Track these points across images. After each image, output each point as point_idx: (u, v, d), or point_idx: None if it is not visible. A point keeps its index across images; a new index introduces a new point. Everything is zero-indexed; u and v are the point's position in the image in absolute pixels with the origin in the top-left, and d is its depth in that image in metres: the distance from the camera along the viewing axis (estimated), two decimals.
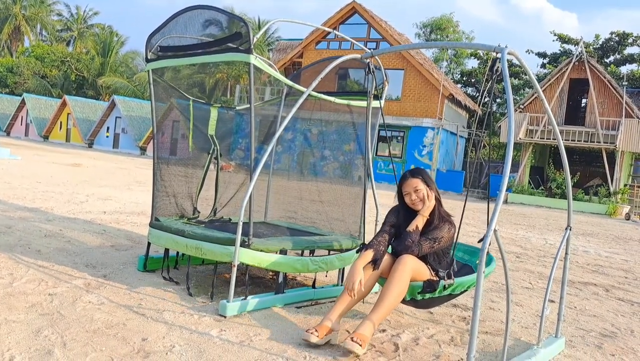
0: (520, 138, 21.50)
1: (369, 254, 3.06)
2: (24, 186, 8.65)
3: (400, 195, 3.30)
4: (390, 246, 3.23)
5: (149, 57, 3.87)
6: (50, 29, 59.34)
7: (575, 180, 20.01)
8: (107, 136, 36.67)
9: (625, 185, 20.88)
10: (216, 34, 3.42)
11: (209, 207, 4.55)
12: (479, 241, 3.43)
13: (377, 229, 4.31)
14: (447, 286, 3.03)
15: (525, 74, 30.62)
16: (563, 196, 20.07)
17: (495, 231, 2.26)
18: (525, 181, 21.89)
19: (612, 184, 20.19)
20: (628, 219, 17.37)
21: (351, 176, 4.48)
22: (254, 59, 3.16)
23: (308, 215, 4.98)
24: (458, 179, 23.84)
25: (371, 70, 3.54)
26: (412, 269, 2.98)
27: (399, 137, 24.78)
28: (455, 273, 3.16)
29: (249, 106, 4.63)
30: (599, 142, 20.02)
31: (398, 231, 3.23)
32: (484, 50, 2.85)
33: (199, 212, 4.34)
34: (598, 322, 4.05)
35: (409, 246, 3.06)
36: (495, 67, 2.92)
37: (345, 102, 4.09)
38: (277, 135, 3.28)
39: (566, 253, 3.28)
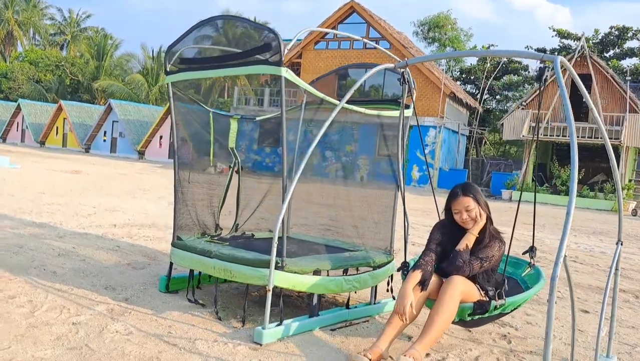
0: (523, 135, 21.38)
1: (417, 276, 2.92)
2: (28, 198, 8.46)
3: (449, 211, 3.16)
4: (437, 265, 3.09)
5: (168, 70, 3.69)
6: (44, 33, 58.92)
7: (580, 177, 19.90)
8: (105, 141, 36.39)
9: (630, 180, 20.79)
10: (242, 44, 3.25)
11: (230, 222, 4.38)
12: (524, 253, 3.30)
13: (406, 243, 4.15)
14: (498, 306, 2.90)
15: (526, 70, 30.54)
16: (568, 193, 19.95)
17: (565, 258, 2.10)
18: (529, 178, 21.77)
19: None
20: (635, 215, 17.27)
21: (379, 184, 4.30)
22: (286, 72, 3.00)
23: (333, 227, 4.82)
24: (461, 178, 23.70)
25: (406, 79, 3.38)
26: (462, 291, 2.87)
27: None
28: (506, 291, 3.01)
29: (270, 116, 4.49)
30: (603, 137, 19.89)
31: (444, 248, 3.10)
32: (535, 59, 2.69)
33: (221, 229, 4.17)
34: (639, 334, 3.90)
35: (460, 267, 2.94)
36: (544, 77, 2.76)
37: (375, 112, 3.92)
38: (312, 147, 3.10)
39: (617, 269, 3.12)
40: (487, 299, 2.90)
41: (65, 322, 3.07)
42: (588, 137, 20.54)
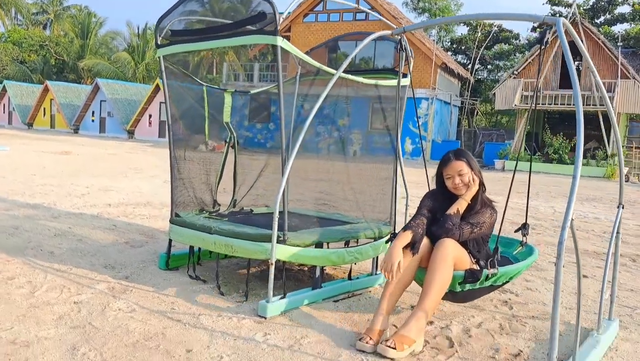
0: (515, 105, 21.34)
1: (407, 235, 2.79)
2: (20, 180, 8.36)
3: (440, 177, 3.08)
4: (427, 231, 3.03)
5: (159, 43, 3.59)
6: (26, 13, 57.56)
7: (571, 145, 19.98)
8: (93, 121, 35.95)
9: (622, 146, 20.87)
10: (235, 14, 3.16)
11: (228, 198, 4.34)
12: (516, 231, 3.27)
13: (407, 215, 4.14)
14: (490, 275, 2.81)
15: (517, 39, 30.34)
16: (560, 161, 20.05)
17: (572, 221, 2.08)
18: (521, 147, 21.81)
19: (609, 146, 20.18)
20: (627, 181, 17.41)
21: (375, 157, 4.26)
22: (281, 41, 2.92)
23: (331, 201, 4.79)
24: (453, 149, 23.72)
25: (403, 47, 3.30)
26: (454, 254, 2.76)
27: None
28: (499, 261, 2.96)
29: (264, 89, 4.41)
30: (595, 105, 19.92)
31: (435, 216, 3.00)
32: (536, 22, 2.63)
33: (219, 205, 4.13)
34: (639, 297, 3.94)
35: (449, 229, 2.82)
36: (545, 39, 2.70)
37: (373, 82, 3.86)
38: (309, 119, 3.05)
39: (617, 232, 3.12)
40: (479, 268, 2.81)
41: (67, 301, 3.05)
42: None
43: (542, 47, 2.78)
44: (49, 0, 56.92)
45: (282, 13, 3.63)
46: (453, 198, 3.00)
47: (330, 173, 4.60)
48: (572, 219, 2.11)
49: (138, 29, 44.13)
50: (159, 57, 3.64)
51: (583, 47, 2.84)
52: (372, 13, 4.12)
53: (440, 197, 3.06)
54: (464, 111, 28.01)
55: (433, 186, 3.18)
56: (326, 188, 4.66)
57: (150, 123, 32.45)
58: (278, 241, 3.06)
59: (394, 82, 3.73)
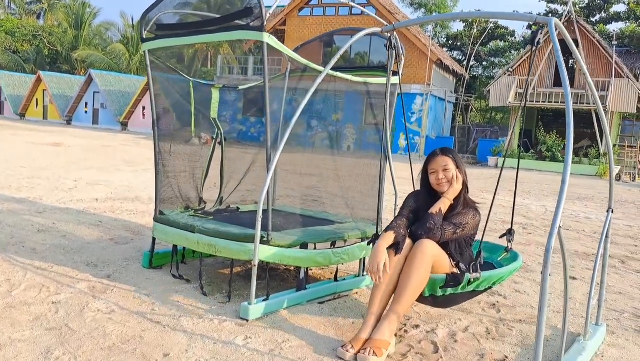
0: (509, 102, 21.32)
1: (390, 235, 2.73)
2: (7, 173, 8.24)
3: (424, 174, 3.02)
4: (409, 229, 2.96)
5: (144, 37, 3.51)
6: (19, 1, 56.99)
7: (564, 143, 19.98)
8: (86, 112, 35.68)
9: (614, 145, 20.93)
10: (222, 9, 3.07)
11: (214, 195, 4.26)
12: (501, 237, 3.21)
13: (395, 212, 4.08)
14: (472, 280, 2.73)
15: (512, 36, 30.30)
16: (553, 159, 20.07)
17: (560, 228, 2.03)
18: (514, 145, 21.83)
19: (601, 145, 20.21)
20: (619, 180, 17.44)
21: (366, 153, 4.19)
22: (268, 37, 2.84)
23: (320, 197, 4.73)
24: (447, 145, 23.68)
25: (392, 44, 3.23)
26: (432, 254, 2.68)
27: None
28: (481, 265, 2.89)
29: (253, 85, 4.34)
30: (589, 103, 19.93)
31: (417, 216, 2.93)
32: (527, 21, 2.57)
33: (205, 202, 4.05)
34: (627, 300, 3.91)
35: (430, 229, 2.75)
36: (537, 39, 2.65)
37: (361, 79, 3.79)
38: (296, 115, 2.97)
39: (607, 236, 3.08)
40: (461, 272, 2.74)
41: (44, 301, 2.97)
42: (574, 102, 20.55)
43: (534, 47, 2.73)
44: None
45: (269, 7, 3.55)
46: (436, 198, 2.94)
47: (321, 168, 4.54)
48: (560, 226, 2.06)
49: (132, 19, 43.79)
50: (144, 51, 3.56)
51: (574, 48, 2.79)
52: (363, 9, 4.04)
53: (423, 197, 3.00)
54: (458, 107, 27.98)
55: (417, 185, 3.13)
56: (316, 183, 4.60)
57: (143, 115, 32.24)
58: (261, 242, 2.99)
59: (383, 80, 3.66)
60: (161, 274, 3.63)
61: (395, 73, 3.67)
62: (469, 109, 29.83)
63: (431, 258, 2.68)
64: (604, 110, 20.05)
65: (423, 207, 2.93)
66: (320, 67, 3.40)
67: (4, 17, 54.12)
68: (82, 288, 3.24)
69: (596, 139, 20.57)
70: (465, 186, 2.97)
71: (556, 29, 2.54)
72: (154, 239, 3.75)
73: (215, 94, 4.04)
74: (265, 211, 3.04)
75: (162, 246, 4.01)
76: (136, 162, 12.04)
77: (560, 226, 2.05)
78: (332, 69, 3.93)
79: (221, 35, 3.03)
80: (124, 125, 32.92)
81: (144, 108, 32.09)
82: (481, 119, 33.12)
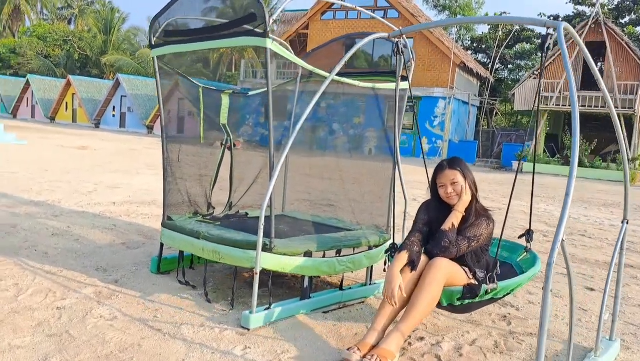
0: (534, 105, 20.93)
1: (403, 256, 2.75)
2: (30, 176, 8.41)
3: (434, 185, 2.98)
4: (424, 247, 2.94)
5: (153, 43, 3.52)
6: (51, 7, 58.52)
7: (592, 147, 19.53)
8: (113, 116, 36.34)
9: None
10: (226, 14, 3.06)
11: (224, 200, 4.26)
12: (520, 237, 3.13)
13: (405, 222, 4.02)
14: (489, 290, 2.72)
15: (538, 38, 29.78)
16: (579, 164, 19.61)
17: (562, 242, 1.95)
18: (540, 149, 21.41)
19: (629, 150, 19.68)
20: None
21: (377, 160, 4.11)
22: (271, 43, 2.82)
23: (330, 201, 4.68)
24: (471, 150, 23.40)
25: (400, 50, 3.17)
26: (446, 273, 2.68)
27: (408, 108, 24.22)
28: (497, 274, 2.84)
29: (262, 90, 4.32)
30: (617, 107, 19.43)
31: (430, 228, 2.93)
32: (536, 25, 2.49)
33: (213, 208, 4.05)
34: None
35: (446, 247, 2.75)
36: (547, 44, 2.56)
37: (370, 85, 3.73)
38: (298, 125, 2.94)
39: (621, 248, 2.96)
40: (477, 282, 2.73)
41: (49, 306, 3.00)
42: (601, 106, 20.08)
43: (544, 52, 2.64)
44: None
45: (304, 10, 3.52)
46: (448, 208, 2.91)
47: (341, 172, 4.45)
48: (563, 239, 1.98)
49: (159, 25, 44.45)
50: (152, 57, 3.57)
51: (586, 51, 2.69)
52: (372, 14, 3.99)
53: (435, 207, 2.98)
54: (482, 111, 27.59)
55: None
56: (335, 187, 4.53)
57: (192, 120, 32.62)
58: (264, 249, 2.96)
59: (391, 85, 3.60)
60: (168, 280, 3.63)
61: (404, 78, 3.61)
62: (494, 112, 29.40)
63: (444, 277, 2.68)
64: (632, 114, 19.54)
65: (436, 218, 2.92)
66: (325, 73, 3.36)
67: (37, 22, 55.59)
68: (89, 293, 3.26)
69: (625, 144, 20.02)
70: (474, 197, 2.92)
71: (567, 34, 2.46)
72: (161, 244, 3.75)
73: (225, 100, 4.03)
74: (268, 217, 3.01)
75: (171, 251, 4.01)
76: (158, 166, 12.17)
77: (563, 240, 1.96)
78: (344, 74, 3.90)
79: (225, 41, 3.02)
80: (149, 128, 33.39)
81: (169, 112, 32.47)
82: (507, 122, 32.59)
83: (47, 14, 59.81)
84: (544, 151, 21.69)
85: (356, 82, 3.73)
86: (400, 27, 3.01)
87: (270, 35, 2.82)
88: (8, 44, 50.93)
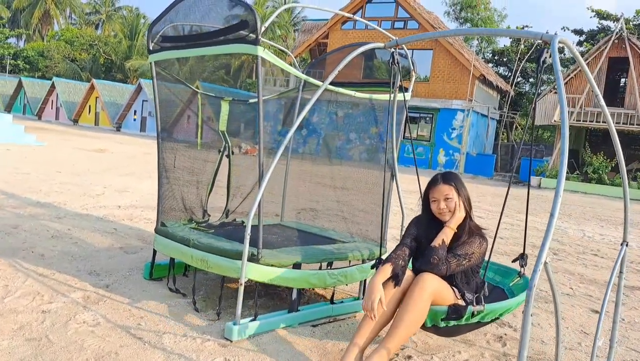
0: (554, 120, 20.62)
1: (387, 269, 2.61)
2: (42, 178, 8.51)
3: (426, 200, 2.87)
4: (411, 263, 2.84)
5: (151, 48, 3.52)
6: (79, 12, 59.84)
7: (612, 164, 19.13)
8: (135, 120, 36.84)
9: None
10: (221, 21, 3.04)
11: (221, 207, 4.23)
12: (514, 261, 3.02)
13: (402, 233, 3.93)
14: (475, 313, 2.58)
15: (562, 53, 29.44)
16: (599, 181, 19.22)
17: (546, 264, 1.86)
18: (558, 165, 21.04)
19: None
20: None
21: (377, 172, 4.04)
22: (262, 51, 2.78)
23: (329, 210, 4.61)
24: (489, 163, 23.11)
25: (396, 61, 3.10)
26: (432, 290, 2.55)
27: (427, 119, 24.07)
28: (486, 297, 2.72)
29: (269, 97, 4.29)
30: (639, 124, 19.03)
31: (420, 244, 2.82)
32: (531, 38, 2.41)
33: (209, 215, 4.02)
34: None
35: (435, 265, 2.63)
36: (543, 58, 2.48)
37: (367, 96, 3.68)
38: (291, 132, 2.90)
39: (621, 272, 2.84)
40: (464, 304, 2.60)
41: (35, 310, 2.98)
42: (623, 123, 19.68)
43: (540, 65, 2.56)
44: (103, 1, 58.89)
45: (326, 20, 3.49)
46: (439, 224, 2.80)
47: (353, 181, 4.37)
48: (547, 262, 1.88)
49: (182, 31, 45.04)
50: (150, 63, 3.57)
51: (582, 62, 2.60)
52: (369, 24, 3.93)
53: (426, 223, 2.87)
54: (502, 124, 27.27)
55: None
56: (344, 197, 4.44)
57: (188, 123, 32.94)
58: (251, 260, 2.91)
59: (386, 96, 3.54)
60: (159, 287, 3.60)
61: (406, 89, 3.54)
62: (514, 126, 29.04)
63: (430, 295, 2.55)
64: None
65: (426, 235, 2.81)
66: (318, 83, 3.32)
67: (65, 27, 56.83)
68: (76, 298, 3.24)
69: None
70: (468, 215, 2.82)
71: (563, 47, 2.37)
72: (154, 251, 3.73)
73: (225, 107, 4.01)
74: (256, 227, 2.96)
75: (165, 258, 3.98)
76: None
77: (546, 262, 1.87)
78: (345, 84, 3.85)
79: (218, 48, 2.99)
80: None
81: (189, 117, 32.80)
82: (527, 137, 32.13)
83: (75, 18, 61.15)
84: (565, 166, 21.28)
85: (352, 93, 3.68)
86: (396, 38, 2.95)
87: (261, 42, 2.78)
88: (37, 48, 52.15)
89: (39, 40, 56.68)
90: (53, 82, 41.95)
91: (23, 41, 59.89)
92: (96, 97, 39.05)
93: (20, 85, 44.99)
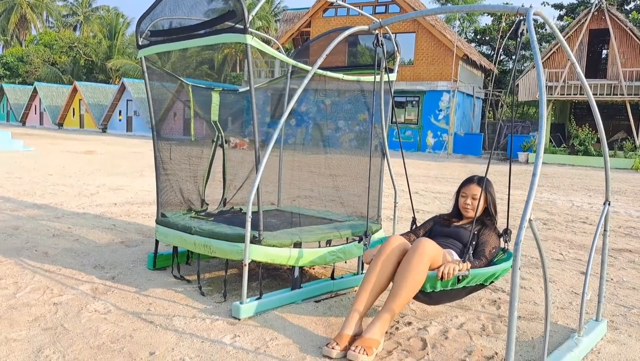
0: (538, 96, 20.85)
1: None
2: (35, 180, 8.55)
3: (458, 194, 3.26)
4: None
5: (140, 44, 3.60)
6: (56, 15, 59.08)
7: (598, 136, 19.40)
8: (120, 120, 36.63)
9: None
10: (209, 12, 3.13)
11: (218, 197, 4.33)
12: (500, 236, 3.16)
13: (396, 211, 4.07)
14: (460, 278, 2.68)
15: (543, 28, 29.63)
16: (586, 153, 19.51)
17: (531, 221, 1.99)
18: (546, 139, 21.31)
19: (637, 137, 19.54)
20: None
21: (368, 153, 4.16)
22: (251, 39, 2.88)
23: (324, 195, 4.73)
24: (477, 142, 23.34)
25: (380, 42, 3.22)
26: (430, 255, 2.67)
27: (413, 102, 24.22)
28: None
29: (257, 86, 4.39)
30: (622, 94, 19.29)
31: (430, 235, 3.21)
32: (507, 13, 2.53)
33: (207, 204, 4.12)
34: (639, 296, 3.78)
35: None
36: (520, 30, 2.60)
37: (354, 78, 3.79)
38: (282, 120, 3.01)
39: (605, 230, 2.99)
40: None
41: (46, 303, 3.08)
42: (607, 94, 19.94)
43: (518, 38, 2.68)
44: (79, 2, 58.17)
45: (306, 9, 3.58)
46: (454, 226, 3.18)
47: (344, 169, 4.49)
48: (531, 219, 2.02)
49: (163, 28, 44.70)
50: (140, 58, 3.65)
51: (558, 33, 2.72)
52: (360, 11, 4.04)
53: (446, 222, 3.23)
54: (488, 103, 27.49)
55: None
56: (338, 183, 4.56)
57: (175, 121, 32.83)
58: (253, 241, 3.03)
59: (372, 78, 3.65)
60: (163, 276, 3.71)
61: (390, 70, 3.66)
62: (500, 104, 29.28)
63: (429, 259, 2.67)
64: (639, 102, 19.36)
65: (441, 232, 3.17)
66: (307, 67, 3.42)
67: (43, 30, 56.11)
68: (85, 290, 3.34)
69: (631, 131, 19.89)
70: (493, 218, 3.17)
71: (544, 23, 2.50)
72: (157, 241, 3.83)
73: (216, 98, 4.10)
74: (257, 211, 3.07)
75: (168, 248, 4.09)
76: None
77: (531, 220, 2.01)
78: (331, 68, 3.95)
79: (207, 39, 3.08)
80: None
81: (175, 114, 32.67)
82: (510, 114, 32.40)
83: (52, 21, 60.36)
84: (550, 141, 21.57)
85: (339, 76, 3.79)
86: (380, 20, 3.06)
87: (250, 31, 2.87)
88: (16, 53, 51.47)
89: (17, 45, 55.97)
90: (35, 87, 41.54)
91: (1, 47, 59.15)
92: (79, 100, 38.75)
93: (1, 92, 44.53)
